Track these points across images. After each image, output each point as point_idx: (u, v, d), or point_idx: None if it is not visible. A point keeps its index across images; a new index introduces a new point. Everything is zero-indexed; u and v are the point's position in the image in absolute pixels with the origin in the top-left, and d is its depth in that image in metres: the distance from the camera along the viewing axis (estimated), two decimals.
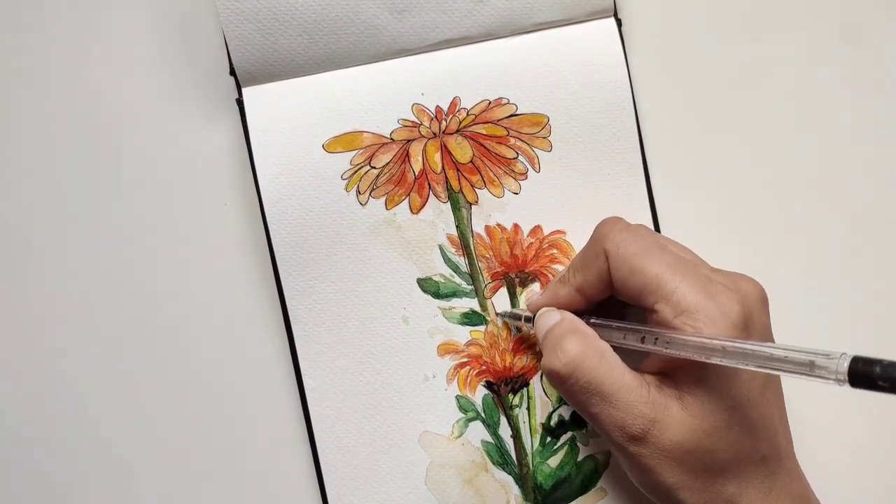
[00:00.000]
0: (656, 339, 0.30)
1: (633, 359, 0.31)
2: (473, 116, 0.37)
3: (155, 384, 0.39)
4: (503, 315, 0.37)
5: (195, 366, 0.39)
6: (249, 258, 0.39)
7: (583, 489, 0.37)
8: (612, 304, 0.34)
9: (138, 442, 0.39)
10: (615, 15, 0.37)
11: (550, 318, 0.33)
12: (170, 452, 0.39)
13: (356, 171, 0.37)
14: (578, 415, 0.37)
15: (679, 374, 0.30)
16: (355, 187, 0.37)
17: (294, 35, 0.37)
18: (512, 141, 0.37)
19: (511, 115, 0.37)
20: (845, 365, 0.23)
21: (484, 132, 0.37)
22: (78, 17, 0.39)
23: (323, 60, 0.37)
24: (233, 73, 0.37)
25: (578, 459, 0.38)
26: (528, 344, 0.37)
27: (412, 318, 0.38)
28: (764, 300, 0.31)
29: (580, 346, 0.31)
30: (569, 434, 0.38)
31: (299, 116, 0.37)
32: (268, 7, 0.36)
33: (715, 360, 0.28)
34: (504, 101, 0.37)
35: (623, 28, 0.37)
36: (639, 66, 0.38)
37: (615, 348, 0.31)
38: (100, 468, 0.39)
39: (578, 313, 0.34)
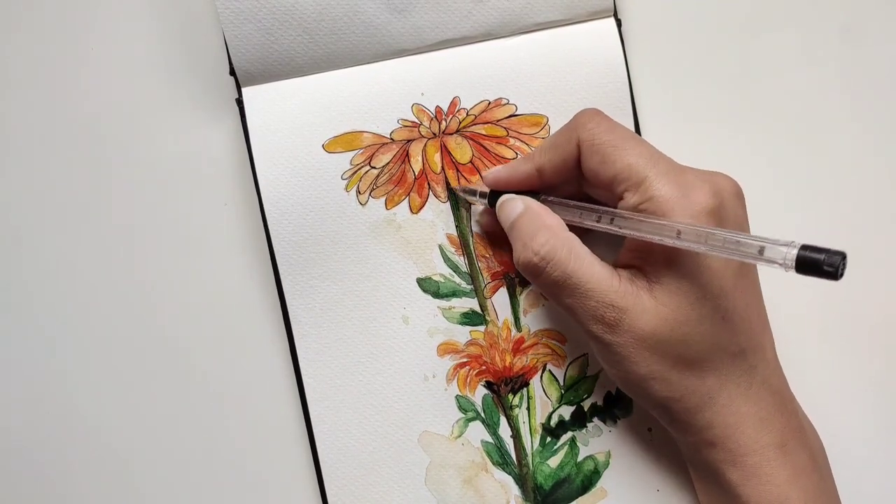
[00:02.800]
0: (612, 218, 0.30)
1: (607, 255, 0.31)
2: (473, 117, 0.37)
3: (155, 384, 0.39)
4: (458, 190, 0.37)
5: (195, 366, 0.39)
6: (249, 258, 0.39)
7: (583, 489, 0.37)
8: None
9: (138, 442, 0.39)
10: (615, 15, 0.37)
11: (514, 209, 0.33)
12: (170, 452, 0.39)
13: (356, 171, 0.37)
14: (578, 415, 0.37)
15: (649, 266, 0.30)
16: (355, 187, 0.37)
17: (294, 35, 0.37)
18: (511, 141, 0.37)
19: (511, 116, 0.37)
20: (794, 252, 0.23)
21: (484, 132, 0.37)
22: (78, 17, 0.39)
23: (323, 60, 0.37)
24: (233, 73, 0.37)
25: (578, 459, 0.37)
26: (528, 344, 0.37)
27: (412, 318, 0.38)
28: (739, 195, 0.31)
29: (551, 242, 0.31)
30: (569, 434, 0.38)
31: (299, 116, 0.37)
32: (268, 7, 0.36)
33: (668, 242, 0.27)
34: (504, 101, 0.37)
35: (623, 28, 0.37)
36: (639, 66, 0.38)
37: (588, 244, 0.31)
38: (99, 468, 0.39)
39: (533, 194, 0.34)
